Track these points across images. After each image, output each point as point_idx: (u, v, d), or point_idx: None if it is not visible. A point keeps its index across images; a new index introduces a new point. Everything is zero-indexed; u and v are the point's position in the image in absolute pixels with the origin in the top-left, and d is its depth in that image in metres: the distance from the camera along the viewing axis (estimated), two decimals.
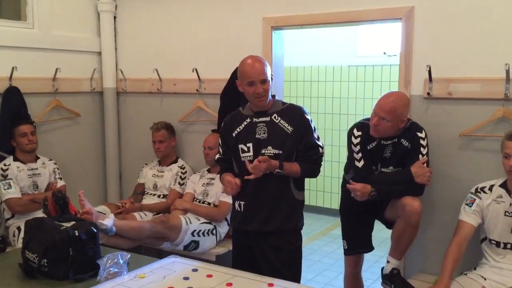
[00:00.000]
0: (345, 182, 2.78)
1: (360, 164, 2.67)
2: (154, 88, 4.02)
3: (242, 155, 2.45)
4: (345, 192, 2.72)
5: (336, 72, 5.61)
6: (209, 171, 3.58)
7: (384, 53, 5.33)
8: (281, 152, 2.39)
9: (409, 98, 2.72)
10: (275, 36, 3.46)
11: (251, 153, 2.42)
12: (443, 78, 2.85)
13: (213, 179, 3.49)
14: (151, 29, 4.04)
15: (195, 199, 3.52)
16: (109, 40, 4.16)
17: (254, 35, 3.48)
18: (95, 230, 2.20)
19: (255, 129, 2.44)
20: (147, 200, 3.73)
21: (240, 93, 3.16)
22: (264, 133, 2.42)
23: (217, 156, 2.61)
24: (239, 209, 2.51)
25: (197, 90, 3.78)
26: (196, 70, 3.72)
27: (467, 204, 2.54)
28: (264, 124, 2.43)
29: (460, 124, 2.82)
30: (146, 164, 3.94)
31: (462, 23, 2.79)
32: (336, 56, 5.56)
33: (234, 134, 2.48)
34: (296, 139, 2.41)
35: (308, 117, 2.47)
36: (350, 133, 2.74)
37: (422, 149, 2.63)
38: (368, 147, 2.69)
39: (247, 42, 3.52)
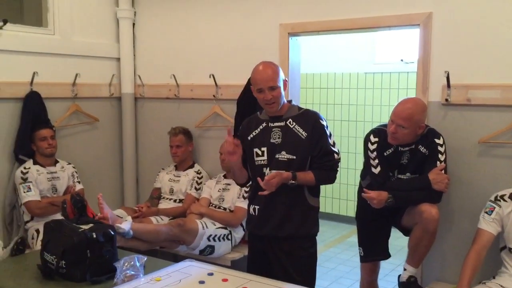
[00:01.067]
0: (361, 188, 2.77)
1: (376, 171, 2.66)
2: (171, 93, 4.05)
3: (256, 159, 2.46)
4: (362, 199, 2.70)
5: (353, 79, 5.59)
6: (225, 176, 3.59)
7: (401, 60, 5.29)
8: (295, 157, 2.40)
9: (426, 104, 2.71)
10: (292, 43, 3.46)
11: (265, 157, 2.44)
12: (461, 84, 2.83)
13: (229, 184, 3.50)
14: (169, 36, 4.08)
15: (210, 204, 3.53)
16: (127, 46, 4.22)
17: (271, 41, 3.50)
18: (112, 233, 2.23)
19: (270, 134, 2.45)
20: (163, 205, 3.75)
21: (256, 99, 3.20)
22: (278, 137, 2.43)
23: None
24: (253, 214, 2.52)
25: (213, 95, 3.80)
26: (213, 76, 3.74)
27: (486, 212, 2.50)
28: (279, 129, 2.44)
29: (479, 131, 2.79)
30: (163, 168, 3.97)
31: (481, 28, 2.77)
32: (353, 63, 5.54)
33: (249, 138, 2.50)
34: (311, 144, 2.41)
35: (324, 123, 2.47)
36: (367, 140, 2.74)
37: (440, 155, 2.61)
38: (385, 154, 2.68)
39: (264, 48, 3.53)
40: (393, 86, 5.34)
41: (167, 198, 3.79)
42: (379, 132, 2.73)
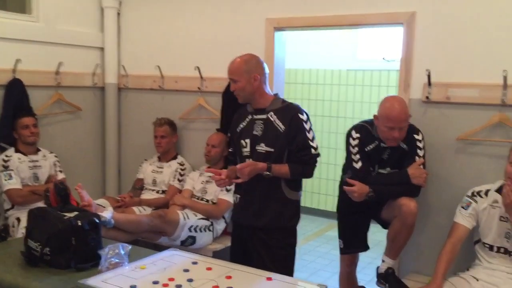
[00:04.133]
0: (343, 182, 2.80)
1: (358, 166, 2.71)
2: (155, 85, 4.05)
3: (242, 150, 2.54)
4: (343, 192, 2.74)
5: (335, 75, 5.65)
6: (208, 169, 3.60)
7: (383, 59, 5.37)
8: (273, 150, 2.45)
9: (403, 98, 2.76)
10: (277, 37, 3.50)
11: (248, 149, 2.51)
12: (442, 83, 2.89)
13: None
14: (154, 27, 4.07)
15: (193, 196, 3.53)
16: (112, 36, 4.19)
17: (257, 35, 3.52)
18: (97, 221, 2.23)
19: (253, 126, 2.51)
20: (146, 196, 3.75)
21: None
22: (260, 130, 2.49)
23: (230, 150, 2.73)
24: (236, 201, 2.62)
25: (198, 88, 3.81)
26: (198, 68, 3.75)
27: (462, 207, 2.57)
28: (261, 121, 2.49)
29: (458, 128, 2.86)
30: (146, 159, 3.96)
31: (463, 29, 2.84)
32: (336, 59, 5.60)
33: (238, 130, 2.58)
34: (288, 138, 2.44)
35: (304, 117, 2.48)
36: (349, 135, 2.78)
37: (419, 150, 2.67)
38: (367, 149, 2.73)
39: (249, 42, 3.54)
40: (374, 83, 5.41)
41: (149, 189, 3.79)
42: (361, 128, 2.76)
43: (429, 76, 2.87)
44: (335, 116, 5.66)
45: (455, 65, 2.87)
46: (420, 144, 2.69)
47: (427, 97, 2.93)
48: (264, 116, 2.49)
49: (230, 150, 2.72)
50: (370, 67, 5.43)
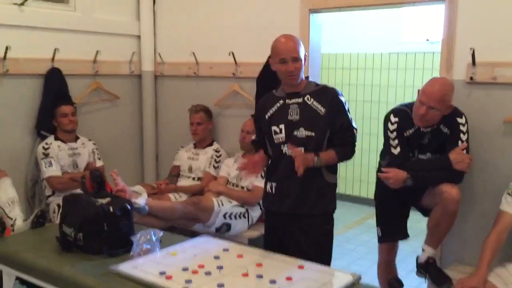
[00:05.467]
0: (380, 168, 2.73)
1: (396, 151, 2.63)
2: (191, 71, 4.06)
3: (275, 136, 2.46)
4: (380, 179, 2.66)
5: (376, 59, 5.50)
6: (243, 155, 3.59)
7: (427, 40, 5.18)
8: (313, 134, 2.39)
9: (453, 84, 2.65)
10: (312, 20, 3.42)
11: (283, 135, 2.43)
12: (487, 62, 2.75)
13: None
14: (189, 13, 4.07)
15: (229, 183, 3.54)
16: (148, 23, 4.22)
17: (291, 18, 3.46)
18: (129, 207, 2.26)
19: (287, 111, 2.43)
20: (182, 182, 3.79)
21: (277, 77, 3.15)
22: (296, 114, 2.41)
23: (252, 137, 2.64)
24: (270, 191, 2.52)
25: (233, 73, 3.80)
26: (232, 53, 3.73)
27: (509, 194, 2.45)
28: (297, 105, 2.42)
29: (505, 110, 2.72)
30: (182, 146, 3.99)
31: (508, 4, 2.67)
32: (377, 42, 5.44)
33: (267, 116, 2.49)
34: (329, 120, 2.39)
35: (342, 98, 2.45)
36: (387, 120, 2.70)
37: (462, 135, 2.57)
38: (406, 134, 2.65)
39: (283, 26, 3.48)
40: (417, 66, 5.24)
41: (186, 176, 3.82)
42: (400, 111, 2.69)
43: (473, 55, 2.74)
44: (376, 101, 5.52)
45: (501, 43, 2.72)
46: (463, 128, 2.58)
47: (471, 78, 2.80)
48: (299, 100, 2.43)
49: (253, 138, 2.66)
50: (413, 50, 5.25)
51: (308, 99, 2.42)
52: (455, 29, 2.83)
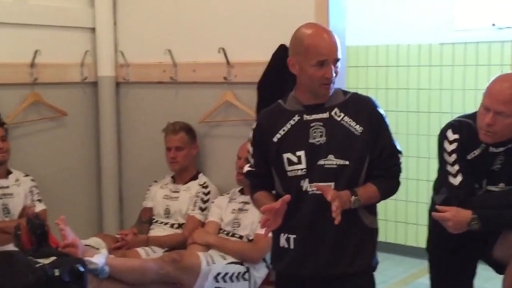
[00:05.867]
0: (434, 206, 2.74)
1: (456, 181, 2.64)
2: (166, 76, 4.07)
3: (288, 168, 2.42)
4: (434, 222, 2.67)
5: (423, 52, 5.52)
6: (242, 192, 3.59)
7: (493, 25, 5.21)
8: (347, 162, 2.38)
9: None
10: (333, 4, 3.45)
11: (303, 165, 2.40)
12: None
13: (247, 203, 3.48)
14: None
15: (221, 231, 3.53)
16: (106, 11, 4.26)
17: (304, 3, 3.49)
18: (82, 269, 2.25)
19: (307, 131, 2.42)
20: (157, 231, 3.78)
21: (287, 82, 3.13)
22: (321, 136, 2.40)
23: (246, 168, 2.61)
24: (287, 246, 2.46)
25: (225, 78, 3.81)
26: (223, 50, 3.75)
27: None
28: (321, 124, 2.41)
29: None
30: (156, 181, 3.99)
31: None
32: (423, 30, 5.46)
33: (275, 139, 2.46)
34: (368, 143, 2.39)
35: (382, 111, 2.47)
36: (443, 137, 2.72)
37: None
38: (469, 157, 2.67)
39: (293, 13, 3.50)
40: (481, 61, 5.25)
41: (161, 222, 3.82)
42: (461, 126, 2.71)
43: None
44: (424, 111, 5.52)
45: None
46: None
47: None
48: (324, 115, 2.42)
49: (249, 168, 2.59)
50: (474, 38, 5.28)
51: (336, 113, 2.41)
52: None
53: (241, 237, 3.44)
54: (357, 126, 2.39)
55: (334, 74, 2.36)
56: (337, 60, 2.38)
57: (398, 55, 5.64)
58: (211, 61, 3.85)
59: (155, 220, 3.85)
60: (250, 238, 3.40)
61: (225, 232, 3.51)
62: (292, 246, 2.46)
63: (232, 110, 3.84)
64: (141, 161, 4.31)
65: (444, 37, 5.43)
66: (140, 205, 4.00)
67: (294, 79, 3.42)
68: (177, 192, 3.83)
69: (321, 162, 2.38)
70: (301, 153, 2.41)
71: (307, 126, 2.42)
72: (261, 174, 2.55)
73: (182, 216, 3.76)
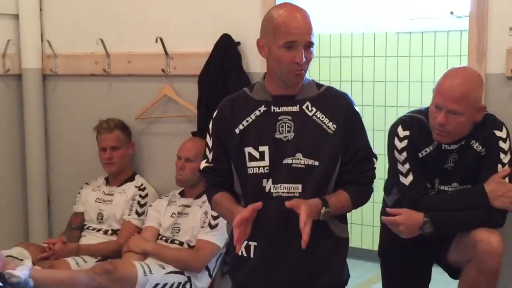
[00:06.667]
0: (385, 209, 2.80)
1: (407, 181, 2.68)
2: (98, 68, 4.05)
3: (249, 164, 2.42)
4: (385, 226, 2.73)
5: (379, 42, 5.58)
6: (182, 194, 3.59)
7: (451, 13, 5.30)
8: (317, 163, 2.38)
9: (481, 76, 2.73)
10: None
11: (265, 162, 2.40)
12: None
13: (188, 206, 3.50)
14: None
15: (160, 237, 3.52)
16: None
17: None
18: (1, 284, 2.21)
19: (274, 124, 2.41)
20: (88, 239, 3.75)
21: (230, 74, 3.14)
22: (289, 131, 2.40)
23: (203, 164, 2.58)
24: (246, 254, 2.45)
25: (163, 70, 3.81)
26: (161, 40, 3.74)
27: None
28: (290, 117, 2.41)
29: None
30: (87, 183, 3.96)
31: None
32: (378, 18, 5.53)
33: (237, 131, 2.45)
34: (342, 143, 2.40)
35: (358, 109, 2.48)
36: (393, 134, 2.77)
37: (502, 155, 2.64)
38: (421, 155, 2.71)
39: (237, 0, 3.56)
40: (439, 52, 5.34)
41: (93, 229, 3.79)
42: (411, 121, 2.75)
43: None
44: (380, 105, 5.59)
45: None
46: (504, 145, 2.66)
47: None
48: (294, 108, 2.42)
49: (207, 164, 2.56)
50: (432, 27, 5.37)
51: (308, 108, 2.42)
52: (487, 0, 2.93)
53: (181, 243, 3.44)
54: (330, 124, 2.40)
55: (304, 60, 2.32)
56: (310, 44, 2.34)
57: (352, 45, 5.70)
58: (147, 51, 3.84)
59: (86, 227, 3.82)
60: (191, 244, 3.40)
61: (164, 238, 3.50)
62: (252, 255, 2.44)
63: (171, 105, 3.84)
64: (71, 162, 4.28)
65: (401, 26, 5.51)
66: (68, 209, 3.97)
67: (239, 71, 3.49)
68: (111, 195, 3.80)
69: (287, 160, 2.38)
70: (265, 148, 2.40)
71: (274, 119, 2.41)
72: (221, 171, 2.51)
73: (117, 221, 3.74)
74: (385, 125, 5.48)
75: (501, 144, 2.65)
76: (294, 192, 2.37)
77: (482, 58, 2.97)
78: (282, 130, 2.40)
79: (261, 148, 2.40)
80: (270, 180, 2.38)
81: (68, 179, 4.25)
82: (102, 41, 3.96)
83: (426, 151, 2.70)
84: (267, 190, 2.38)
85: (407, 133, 2.71)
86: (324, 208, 2.31)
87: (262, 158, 2.40)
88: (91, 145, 3.89)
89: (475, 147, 2.67)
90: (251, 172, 2.41)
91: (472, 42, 3.01)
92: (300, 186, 2.35)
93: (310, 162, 2.37)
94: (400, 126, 2.74)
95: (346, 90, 5.55)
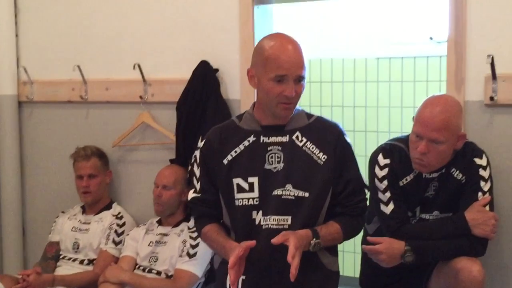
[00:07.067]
0: (363, 239, 2.82)
1: (388, 209, 2.69)
2: (75, 95, 4.04)
3: (237, 196, 2.41)
4: (366, 255, 2.72)
5: (359, 67, 5.60)
6: (160, 222, 3.57)
7: (431, 39, 5.35)
8: (307, 195, 2.37)
9: (460, 103, 2.75)
10: (258, 14, 3.50)
11: (255, 194, 2.39)
12: None
13: (166, 235, 3.48)
14: (72, 7, 4.07)
15: (137, 266, 3.49)
16: (6, 23, 4.20)
17: (227, 13, 3.54)
18: None
19: (264, 155, 2.41)
20: (64, 269, 3.70)
21: (208, 101, 3.13)
22: (278, 162, 2.40)
23: (191, 194, 2.57)
24: None
25: (141, 97, 3.80)
26: (139, 66, 3.74)
27: None
28: (280, 148, 2.41)
29: None
30: (63, 212, 3.93)
31: None
32: (358, 44, 5.56)
33: (226, 161, 2.44)
34: (333, 174, 2.39)
35: (349, 140, 2.49)
36: (374, 162, 2.77)
37: (483, 183, 2.66)
38: (402, 183, 2.73)
39: (216, 24, 3.57)
40: (419, 77, 5.38)
41: (69, 258, 3.75)
42: (392, 150, 2.77)
43: (492, 65, 2.85)
44: (361, 130, 5.60)
45: None
46: (484, 173, 2.68)
47: (491, 98, 2.91)
48: (284, 139, 2.42)
49: (195, 194, 2.55)
50: (411, 53, 5.41)
51: (298, 138, 2.42)
52: (465, 27, 2.96)
53: (159, 273, 3.41)
54: (321, 154, 2.39)
55: (294, 93, 2.32)
56: (301, 78, 2.34)
57: (332, 70, 5.72)
58: (125, 78, 3.84)
59: (62, 256, 3.78)
60: (169, 274, 3.38)
61: (141, 268, 3.46)
62: None
63: (149, 132, 3.84)
64: (46, 190, 4.25)
65: (380, 51, 5.54)
66: (44, 239, 3.93)
67: (217, 98, 3.49)
68: (88, 223, 3.77)
69: (277, 192, 2.36)
70: (254, 179, 2.39)
71: (263, 149, 2.41)
72: (209, 201, 2.50)
73: (93, 250, 3.71)
74: (365, 150, 5.49)
75: (481, 172, 2.67)
76: (283, 224, 2.36)
77: (461, 85, 3.00)
78: (272, 161, 2.40)
79: (250, 179, 2.40)
80: (260, 212, 2.38)
81: (44, 208, 4.21)
82: (79, 67, 3.95)
83: (406, 179, 2.72)
84: (257, 222, 2.37)
85: (387, 161, 2.72)
86: (314, 239, 2.29)
87: (251, 189, 2.39)
88: (68, 173, 3.87)
89: (455, 175, 2.69)
90: (240, 204, 2.40)
91: (450, 68, 3.04)
92: (289, 218, 2.34)
93: (300, 193, 2.36)
94: (380, 154, 2.76)
95: (326, 115, 5.60)
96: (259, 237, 2.33)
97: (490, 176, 2.67)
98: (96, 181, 3.77)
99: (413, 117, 2.67)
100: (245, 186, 2.40)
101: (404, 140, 2.76)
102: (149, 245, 3.49)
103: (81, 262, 3.71)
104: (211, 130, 2.56)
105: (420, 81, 5.35)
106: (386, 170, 2.71)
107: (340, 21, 5.59)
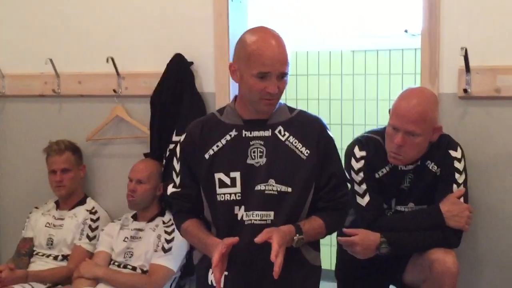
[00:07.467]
0: (342, 229, 2.78)
1: (364, 201, 2.72)
2: (47, 88, 4.00)
3: (219, 191, 2.39)
4: (342, 247, 2.75)
5: (334, 60, 5.62)
6: (135, 218, 3.57)
7: (406, 31, 5.38)
8: (290, 190, 2.36)
9: (436, 96, 2.78)
10: (233, 6, 3.51)
11: (237, 189, 2.37)
12: (487, 67, 2.92)
13: (140, 230, 3.48)
14: None
15: (112, 262, 3.49)
16: None
17: (202, 6, 3.54)
18: None
19: (246, 149, 2.39)
20: (38, 265, 3.68)
21: (185, 94, 3.11)
22: (261, 156, 2.38)
23: (170, 189, 2.54)
24: (213, 284, 2.36)
25: (114, 90, 3.79)
26: (112, 59, 3.72)
27: None
28: (262, 142, 2.39)
29: None
30: (37, 207, 3.91)
31: None
32: (332, 36, 5.57)
33: (207, 156, 2.42)
34: (315, 169, 2.38)
35: (331, 134, 2.49)
36: (350, 154, 2.79)
37: (457, 175, 2.69)
38: (377, 175, 2.76)
39: (191, 17, 3.57)
40: (394, 70, 5.41)
41: (43, 254, 3.72)
42: (368, 142, 2.79)
43: (466, 58, 2.88)
44: (336, 123, 5.61)
45: (507, 41, 2.89)
46: (459, 165, 2.71)
47: (465, 91, 2.94)
48: (266, 133, 2.40)
49: (174, 189, 2.51)
50: (386, 45, 5.43)
51: (280, 132, 2.40)
52: (439, 19, 2.99)
53: (134, 268, 3.40)
54: (304, 149, 2.38)
55: (277, 90, 2.30)
56: (284, 74, 2.31)
57: (308, 63, 5.73)
58: (98, 71, 3.82)
59: (36, 252, 3.75)
60: (145, 269, 3.38)
61: (116, 264, 3.46)
62: (224, 285, 2.34)
63: (123, 126, 3.82)
64: (19, 185, 4.21)
65: (354, 44, 5.55)
66: (17, 235, 3.91)
67: (192, 92, 3.49)
68: (62, 219, 3.75)
69: (259, 187, 2.35)
70: (236, 174, 2.37)
71: (245, 144, 2.39)
72: (189, 196, 2.47)
73: (67, 246, 3.68)
74: (341, 143, 5.51)
75: (456, 164, 2.70)
76: (266, 220, 2.34)
77: (435, 78, 3.03)
78: (254, 156, 2.38)
79: (232, 174, 2.37)
80: (243, 207, 2.35)
81: (17, 204, 4.18)
82: (51, 60, 3.91)
83: (382, 171, 2.75)
84: (239, 217, 2.35)
85: (363, 153, 2.75)
86: (297, 235, 2.28)
87: (233, 184, 2.37)
88: (41, 168, 3.83)
89: (430, 167, 2.72)
90: (222, 199, 2.38)
91: (424, 61, 3.08)
92: (272, 213, 2.32)
93: (283, 188, 2.35)
94: (356, 146, 2.78)
95: (303, 108, 5.64)
96: (242, 233, 2.31)
97: (464, 168, 2.70)
98: (70, 176, 3.75)
99: (389, 109, 2.69)
100: (227, 181, 2.38)
101: (380, 132, 2.79)
102: (124, 240, 3.49)
103: (55, 258, 3.69)
104: (192, 124, 2.53)
105: (395, 74, 5.38)
106: (362, 162, 2.74)
107: (315, 14, 5.61)
